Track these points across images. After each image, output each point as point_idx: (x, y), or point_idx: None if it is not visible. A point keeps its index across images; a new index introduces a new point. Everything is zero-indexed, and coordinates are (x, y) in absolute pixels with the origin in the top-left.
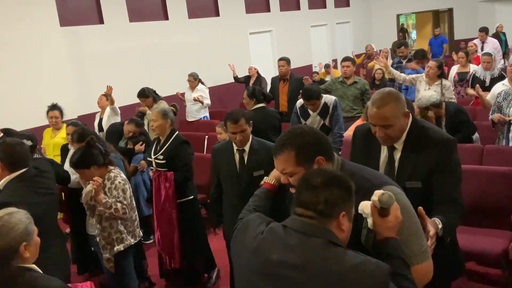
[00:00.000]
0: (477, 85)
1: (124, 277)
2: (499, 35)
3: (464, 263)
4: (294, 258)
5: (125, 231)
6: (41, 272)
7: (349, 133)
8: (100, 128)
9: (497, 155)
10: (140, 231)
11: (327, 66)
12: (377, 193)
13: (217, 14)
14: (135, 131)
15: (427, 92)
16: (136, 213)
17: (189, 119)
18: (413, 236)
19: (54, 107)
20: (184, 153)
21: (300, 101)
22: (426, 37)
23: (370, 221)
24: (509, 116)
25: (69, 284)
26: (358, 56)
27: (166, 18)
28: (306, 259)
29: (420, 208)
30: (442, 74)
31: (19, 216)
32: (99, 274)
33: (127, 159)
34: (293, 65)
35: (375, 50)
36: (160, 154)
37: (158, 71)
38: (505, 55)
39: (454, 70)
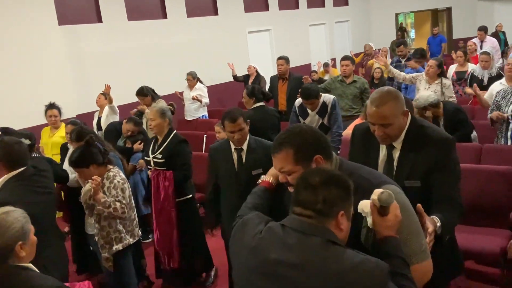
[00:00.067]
0: (475, 84)
1: (123, 277)
2: (498, 34)
3: (463, 262)
4: (293, 257)
5: (124, 230)
6: (38, 271)
7: (348, 132)
8: (99, 127)
9: (496, 154)
10: (139, 231)
11: (326, 65)
12: (377, 192)
13: (216, 13)
14: (134, 130)
15: (425, 92)
16: (135, 212)
17: (188, 118)
18: (413, 235)
19: (52, 106)
20: (183, 152)
21: (299, 100)
22: (425, 36)
23: (369, 220)
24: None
25: (67, 284)
26: (356, 55)
27: (165, 17)
28: (305, 259)
29: (419, 205)
30: (442, 73)
31: (16, 215)
32: (98, 273)
33: (125, 158)
34: (292, 64)
35: (374, 49)
36: (159, 153)
37: (157, 69)
38: (503, 54)
39: (452, 69)
